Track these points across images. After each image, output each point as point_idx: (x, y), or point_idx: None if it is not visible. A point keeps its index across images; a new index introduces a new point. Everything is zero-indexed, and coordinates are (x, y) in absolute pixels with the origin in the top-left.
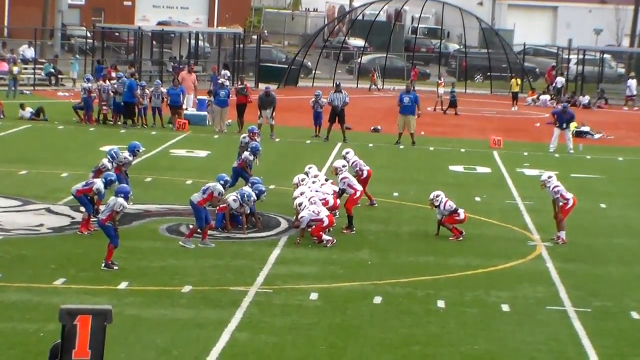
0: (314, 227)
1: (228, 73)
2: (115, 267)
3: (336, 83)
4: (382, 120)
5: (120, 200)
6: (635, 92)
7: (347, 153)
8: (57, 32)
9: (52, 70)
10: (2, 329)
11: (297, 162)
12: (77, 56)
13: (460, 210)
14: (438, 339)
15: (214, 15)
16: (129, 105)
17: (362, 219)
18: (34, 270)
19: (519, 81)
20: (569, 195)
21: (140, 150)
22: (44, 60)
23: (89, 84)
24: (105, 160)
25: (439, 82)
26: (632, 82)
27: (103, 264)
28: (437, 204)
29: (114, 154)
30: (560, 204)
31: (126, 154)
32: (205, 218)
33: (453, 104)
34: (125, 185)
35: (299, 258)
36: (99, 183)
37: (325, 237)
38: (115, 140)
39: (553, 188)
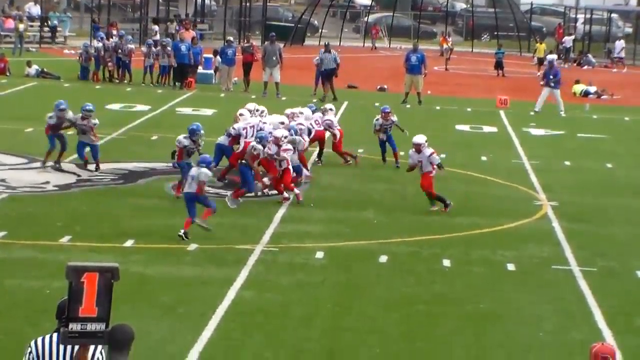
0: (285, 176)
1: (156, 28)
2: (210, 228)
3: (325, 43)
4: (389, 80)
5: (205, 170)
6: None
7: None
8: None
9: (57, 23)
10: (7, 286)
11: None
12: (69, 14)
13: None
14: (443, 298)
15: None
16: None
17: (368, 178)
18: (39, 228)
19: (545, 46)
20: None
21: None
22: (50, 15)
23: (100, 44)
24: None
25: (442, 37)
26: (619, 43)
27: (182, 231)
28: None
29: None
30: (427, 171)
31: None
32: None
33: (499, 64)
34: (206, 155)
35: (305, 217)
36: (180, 138)
37: (286, 194)
38: (121, 98)
39: (430, 155)
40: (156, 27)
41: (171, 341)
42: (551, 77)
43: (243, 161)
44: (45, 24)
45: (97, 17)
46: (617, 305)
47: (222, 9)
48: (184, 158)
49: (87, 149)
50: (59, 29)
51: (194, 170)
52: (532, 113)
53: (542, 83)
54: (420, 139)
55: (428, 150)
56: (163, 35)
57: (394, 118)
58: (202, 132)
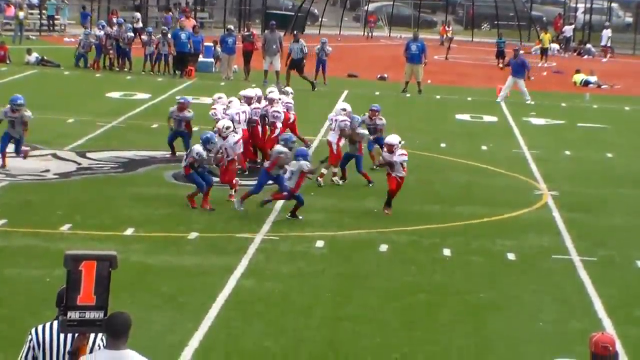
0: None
1: (138, 15)
2: (301, 217)
3: (294, 33)
4: (389, 69)
5: (304, 162)
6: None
7: (270, 92)
8: None
9: (55, 11)
10: (8, 274)
11: (304, 109)
12: (66, 1)
13: None
14: (443, 287)
15: None
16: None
17: (368, 167)
18: (40, 216)
19: (550, 36)
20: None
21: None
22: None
23: (102, 32)
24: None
25: (442, 26)
26: (605, 32)
27: (289, 214)
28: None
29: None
30: (399, 175)
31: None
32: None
33: (501, 54)
34: (301, 147)
35: (305, 206)
36: (196, 147)
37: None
38: (121, 86)
39: (401, 154)
40: (138, 15)
41: (172, 330)
42: (517, 66)
43: (265, 165)
44: (42, 11)
45: (89, 5)
46: (617, 295)
47: None
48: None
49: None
50: (57, 16)
51: (294, 165)
52: (499, 100)
53: (511, 73)
54: (394, 139)
55: (399, 152)
56: (162, 24)
57: (380, 121)
58: (216, 139)
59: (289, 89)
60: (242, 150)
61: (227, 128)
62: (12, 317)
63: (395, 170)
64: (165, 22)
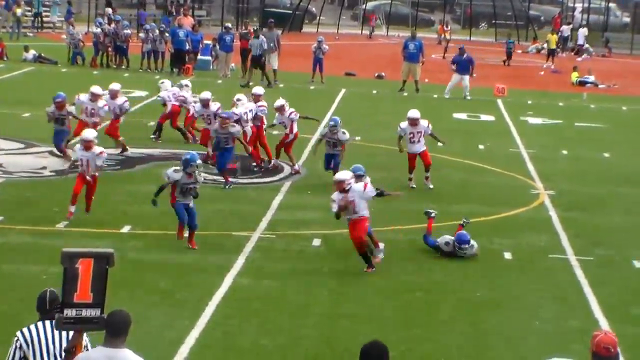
0: None
1: (109, 11)
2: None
3: (254, 28)
4: (387, 67)
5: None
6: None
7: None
8: None
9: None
10: (5, 271)
11: (301, 108)
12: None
13: None
14: (441, 285)
15: None
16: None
17: (364, 165)
18: (37, 213)
19: (556, 37)
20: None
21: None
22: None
23: (99, 29)
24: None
25: (440, 26)
26: (582, 31)
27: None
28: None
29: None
30: (362, 215)
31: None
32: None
33: (509, 54)
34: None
35: (302, 204)
36: (169, 172)
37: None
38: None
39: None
40: (109, 10)
41: (169, 327)
42: (463, 62)
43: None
44: (30, 9)
45: (86, 3)
46: (613, 294)
47: None
48: (178, 198)
49: None
50: (45, 14)
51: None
52: (446, 97)
53: (453, 68)
54: (345, 175)
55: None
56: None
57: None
58: (198, 161)
59: (184, 82)
60: (103, 164)
61: (95, 138)
62: (9, 313)
63: (351, 212)
64: (139, 17)
